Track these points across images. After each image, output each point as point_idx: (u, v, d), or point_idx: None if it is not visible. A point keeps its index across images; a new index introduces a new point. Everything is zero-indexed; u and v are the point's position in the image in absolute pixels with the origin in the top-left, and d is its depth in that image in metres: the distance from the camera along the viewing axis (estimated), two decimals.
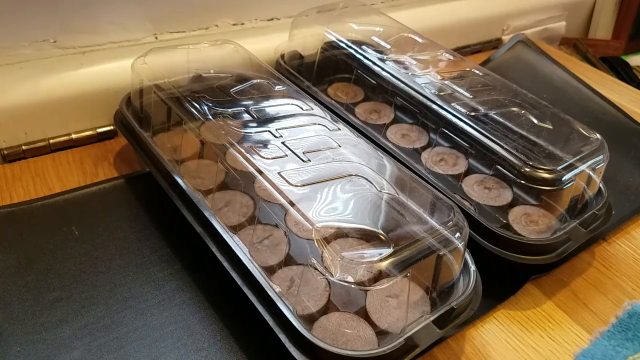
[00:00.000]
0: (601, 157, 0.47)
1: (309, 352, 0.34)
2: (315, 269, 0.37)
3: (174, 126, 0.50)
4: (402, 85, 0.55)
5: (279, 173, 0.41)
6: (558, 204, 0.46)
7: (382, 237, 0.37)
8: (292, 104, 0.50)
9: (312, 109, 0.49)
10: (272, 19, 0.70)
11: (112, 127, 0.59)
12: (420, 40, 0.62)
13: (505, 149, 0.47)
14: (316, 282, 0.38)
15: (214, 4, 0.65)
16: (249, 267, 0.38)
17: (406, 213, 0.39)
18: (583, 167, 0.46)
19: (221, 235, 0.40)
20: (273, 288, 0.37)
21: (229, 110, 0.48)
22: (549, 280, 0.46)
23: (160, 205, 0.49)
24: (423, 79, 0.56)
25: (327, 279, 0.38)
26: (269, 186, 0.40)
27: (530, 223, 0.46)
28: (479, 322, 0.42)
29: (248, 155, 0.42)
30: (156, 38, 0.63)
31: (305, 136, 0.46)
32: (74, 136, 0.57)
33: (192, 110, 0.47)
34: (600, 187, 0.48)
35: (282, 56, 0.64)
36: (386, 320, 0.37)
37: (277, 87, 0.52)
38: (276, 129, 0.46)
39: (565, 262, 0.48)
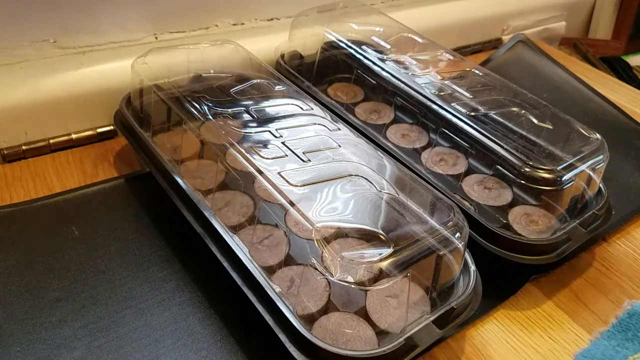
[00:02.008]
0: (601, 157, 0.47)
1: (309, 352, 0.34)
2: (315, 269, 0.37)
3: (174, 126, 0.50)
4: (402, 85, 0.55)
5: (279, 173, 0.41)
6: (558, 204, 0.46)
7: (382, 237, 0.37)
8: (292, 104, 0.50)
9: (312, 109, 0.49)
10: (272, 19, 0.70)
11: (112, 127, 0.59)
12: (420, 40, 0.62)
13: (505, 149, 0.47)
14: (316, 282, 0.38)
15: (214, 4, 0.65)
16: (249, 267, 0.38)
17: (406, 213, 0.39)
18: (583, 167, 0.46)
19: (221, 235, 0.40)
20: (273, 288, 0.37)
21: (229, 110, 0.48)
22: (549, 280, 0.46)
23: (160, 205, 0.49)
24: (423, 79, 0.56)
25: (327, 279, 0.38)
26: (269, 186, 0.40)
27: (530, 223, 0.46)
28: (479, 322, 0.42)
29: (248, 155, 0.42)
30: (156, 38, 0.63)
31: (305, 136, 0.46)
32: (74, 136, 0.57)
33: (192, 110, 0.47)
34: (600, 187, 0.48)
35: (282, 56, 0.64)
36: (386, 320, 0.37)
37: (277, 87, 0.52)
38: (276, 129, 0.46)
39: (565, 262, 0.48)
